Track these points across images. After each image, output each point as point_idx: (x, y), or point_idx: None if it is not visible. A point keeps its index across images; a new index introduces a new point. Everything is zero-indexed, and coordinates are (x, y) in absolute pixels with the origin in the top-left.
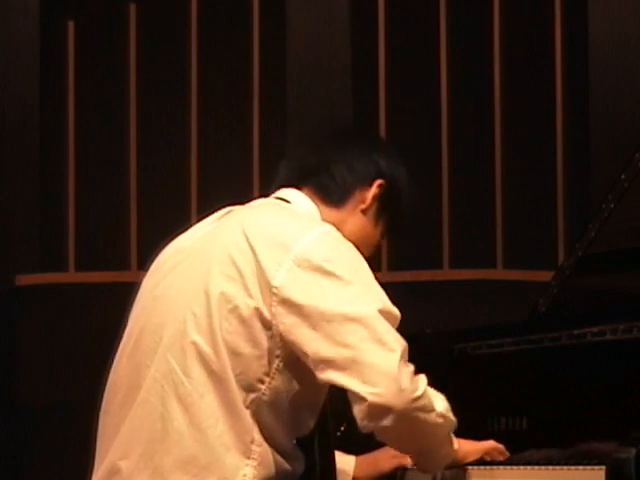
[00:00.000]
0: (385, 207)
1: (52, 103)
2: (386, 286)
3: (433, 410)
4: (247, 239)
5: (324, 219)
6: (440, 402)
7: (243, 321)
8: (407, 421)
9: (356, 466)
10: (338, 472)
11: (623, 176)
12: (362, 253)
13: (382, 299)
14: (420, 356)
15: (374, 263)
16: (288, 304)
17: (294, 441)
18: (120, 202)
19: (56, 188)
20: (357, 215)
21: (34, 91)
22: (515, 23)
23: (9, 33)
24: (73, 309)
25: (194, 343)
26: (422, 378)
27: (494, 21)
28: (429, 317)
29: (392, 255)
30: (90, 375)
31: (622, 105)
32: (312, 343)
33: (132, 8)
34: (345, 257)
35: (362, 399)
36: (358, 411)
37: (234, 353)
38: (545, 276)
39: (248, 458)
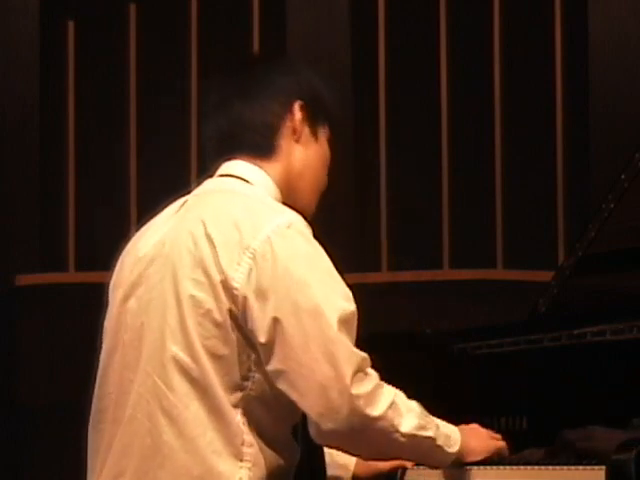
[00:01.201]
0: (316, 119)
1: (52, 103)
2: (386, 286)
3: (396, 431)
4: (208, 238)
5: (273, 177)
6: (409, 420)
7: (217, 324)
8: (365, 443)
9: (356, 464)
10: (339, 467)
11: (623, 176)
12: (323, 176)
13: (338, 305)
14: (420, 356)
15: (374, 263)
16: (247, 307)
17: (290, 431)
18: (120, 202)
19: (56, 188)
20: (295, 148)
21: (34, 91)
22: (515, 23)
23: (9, 33)
24: (73, 309)
25: (172, 354)
26: (384, 395)
27: (494, 21)
28: (429, 317)
29: (392, 255)
30: (90, 375)
31: (622, 105)
32: (266, 353)
33: (132, 8)
34: (302, 254)
35: (311, 418)
36: (310, 429)
37: (215, 357)
38: (545, 276)
39: (241, 461)
